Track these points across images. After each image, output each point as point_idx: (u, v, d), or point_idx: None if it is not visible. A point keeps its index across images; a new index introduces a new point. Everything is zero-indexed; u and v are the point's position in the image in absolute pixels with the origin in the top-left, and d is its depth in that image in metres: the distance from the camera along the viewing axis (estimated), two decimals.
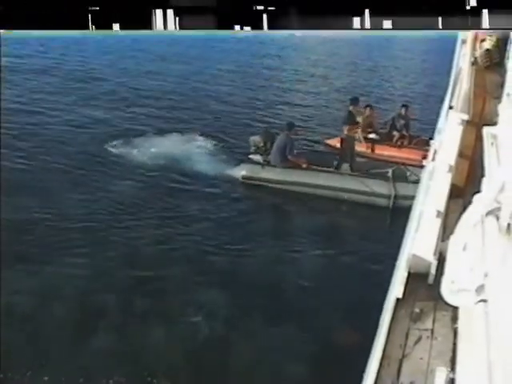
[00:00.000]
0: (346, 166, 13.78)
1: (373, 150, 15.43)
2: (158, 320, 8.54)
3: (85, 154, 14.94)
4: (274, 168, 13.61)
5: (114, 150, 15.17)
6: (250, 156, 14.16)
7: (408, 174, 13.06)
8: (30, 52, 27.03)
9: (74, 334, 8.17)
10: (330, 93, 23.51)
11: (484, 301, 2.90)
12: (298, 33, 35.34)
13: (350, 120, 14.17)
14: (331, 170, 13.61)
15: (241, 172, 13.74)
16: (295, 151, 13.73)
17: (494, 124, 5.29)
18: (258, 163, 13.85)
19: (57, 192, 12.58)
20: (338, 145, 14.52)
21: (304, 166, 13.57)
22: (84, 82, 22.30)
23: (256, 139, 14.09)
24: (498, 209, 3.12)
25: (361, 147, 15.12)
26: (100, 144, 15.53)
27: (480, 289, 2.92)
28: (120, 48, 29.35)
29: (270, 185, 13.51)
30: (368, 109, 15.79)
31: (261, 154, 13.92)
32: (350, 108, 14.41)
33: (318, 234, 11.85)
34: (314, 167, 13.59)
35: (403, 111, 15.74)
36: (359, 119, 14.95)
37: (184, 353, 7.96)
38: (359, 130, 15.04)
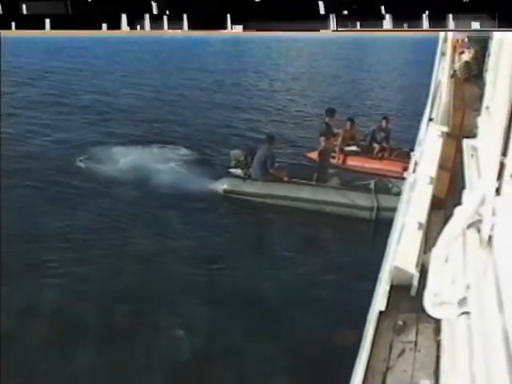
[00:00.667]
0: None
1: (344, 162, 15.46)
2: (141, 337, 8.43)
3: (58, 169, 14.72)
4: (256, 182, 13.57)
5: (90, 165, 14.96)
6: (231, 170, 14.11)
7: (390, 185, 13.08)
8: None
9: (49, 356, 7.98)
10: (307, 105, 23.60)
11: (466, 313, 2.90)
12: (276, 46, 35.54)
13: (327, 132, 14.22)
14: (313, 182, 13.60)
15: (222, 186, 13.71)
16: (276, 164, 13.74)
17: (473, 136, 5.34)
18: (239, 177, 13.82)
19: (31, 210, 12.36)
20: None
21: (285, 179, 13.57)
22: (58, 97, 22.10)
23: (237, 153, 14.07)
24: (479, 221, 3.13)
25: (339, 159, 15.21)
26: (74, 159, 15.30)
27: (462, 301, 2.92)
28: (97, 62, 29.19)
29: (252, 198, 13.47)
30: (349, 123, 15.86)
31: (241, 168, 13.89)
32: (326, 120, 14.47)
33: (301, 248, 11.77)
34: (296, 180, 13.60)
35: (384, 123, 15.83)
36: (338, 131, 15.04)
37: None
38: (338, 142, 15.12)
